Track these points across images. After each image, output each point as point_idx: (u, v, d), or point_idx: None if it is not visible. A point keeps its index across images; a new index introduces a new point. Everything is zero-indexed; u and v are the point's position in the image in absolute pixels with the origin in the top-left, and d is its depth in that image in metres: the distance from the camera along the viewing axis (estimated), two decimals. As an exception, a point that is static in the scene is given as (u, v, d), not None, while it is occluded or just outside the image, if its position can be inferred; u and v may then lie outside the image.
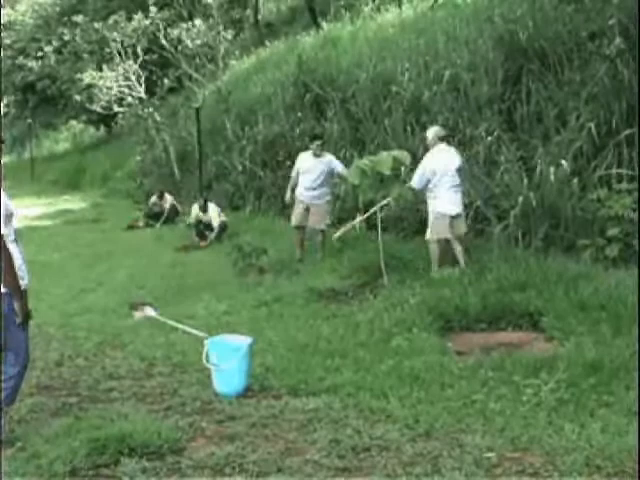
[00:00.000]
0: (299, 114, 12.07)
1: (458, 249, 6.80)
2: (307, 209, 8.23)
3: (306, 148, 8.75)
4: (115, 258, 9.79)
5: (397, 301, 6.00)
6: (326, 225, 8.28)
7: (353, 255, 7.91)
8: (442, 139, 7.07)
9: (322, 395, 4.27)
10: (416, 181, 6.92)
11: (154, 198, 13.45)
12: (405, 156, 7.05)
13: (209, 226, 10.72)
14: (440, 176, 6.79)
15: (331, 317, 5.97)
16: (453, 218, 6.86)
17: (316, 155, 8.21)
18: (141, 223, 13.06)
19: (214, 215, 10.75)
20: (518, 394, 4.09)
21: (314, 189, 8.21)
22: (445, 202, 6.83)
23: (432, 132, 7.12)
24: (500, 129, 8.39)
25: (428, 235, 6.96)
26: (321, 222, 8.22)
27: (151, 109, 16.21)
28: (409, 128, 9.45)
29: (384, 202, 7.36)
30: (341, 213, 9.45)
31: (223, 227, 10.75)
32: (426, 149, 7.28)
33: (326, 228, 8.28)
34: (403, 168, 8.28)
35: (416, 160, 7.40)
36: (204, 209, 10.80)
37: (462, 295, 5.84)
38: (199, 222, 10.82)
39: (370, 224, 8.71)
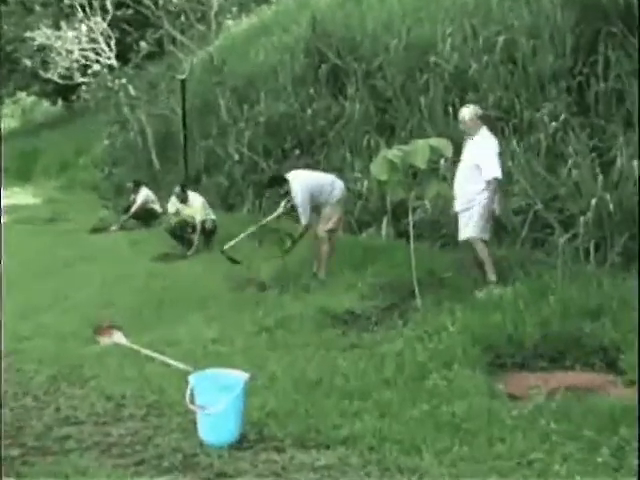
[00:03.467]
0: (311, 90, 12.14)
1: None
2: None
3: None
4: (77, 268, 9.85)
5: (433, 328, 6.00)
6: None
7: (378, 269, 7.93)
8: (483, 120, 7.16)
9: (337, 448, 4.26)
10: (499, 170, 6.96)
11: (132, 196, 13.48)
12: (445, 145, 6.99)
13: (194, 226, 10.80)
14: None
15: (349, 347, 5.97)
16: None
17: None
18: (114, 227, 13.11)
19: (197, 206, 10.83)
20: (590, 454, 4.04)
21: None
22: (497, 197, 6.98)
23: (470, 112, 7.15)
24: (568, 112, 8.38)
25: (471, 232, 6.99)
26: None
27: (124, 80, 16.32)
28: (451, 110, 9.45)
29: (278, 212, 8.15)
30: (363, 215, 9.46)
31: (211, 228, 10.82)
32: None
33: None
34: (443, 160, 8.34)
35: (459, 150, 7.39)
36: (183, 199, 10.86)
37: (517, 322, 5.82)
38: (181, 223, 10.83)
39: (399, 230, 8.74)
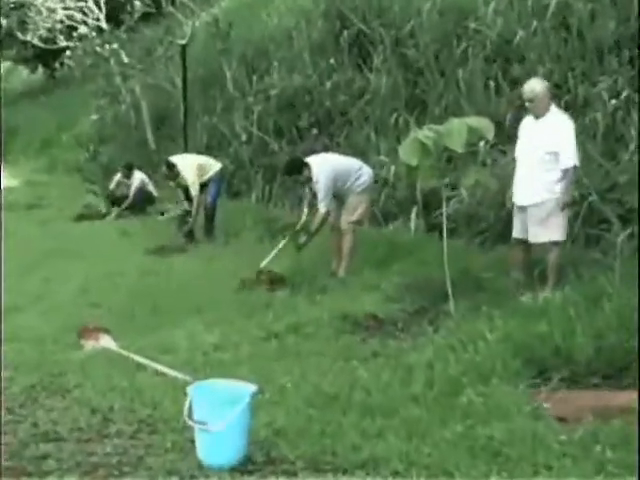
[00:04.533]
0: (332, 60, 12.16)
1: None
2: None
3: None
4: (59, 262, 9.90)
5: (468, 337, 5.97)
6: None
7: (405, 267, 7.96)
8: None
9: (356, 472, 4.26)
10: (577, 157, 6.93)
11: (119, 176, 13.61)
12: (486, 125, 7.00)
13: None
14: None
15: (371, 357, 5.98)
16: None
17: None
18: (111, 216, 13.25)
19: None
20: (652, 487, 4.03)
21: None
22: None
23: (542, 85, 7.05)
24: (631, 87, 8.34)
25: (557, 235, 6.95)
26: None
27: (115, 45, 16.35)
28: (492, 84, 9.43)
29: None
30: (389, 206, 9.49)
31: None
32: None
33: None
34: (482, 143, 8.33)
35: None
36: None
37: (566, 332, 5.77)
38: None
39: (430, 223, 8.75)
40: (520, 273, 7.14)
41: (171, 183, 11.21)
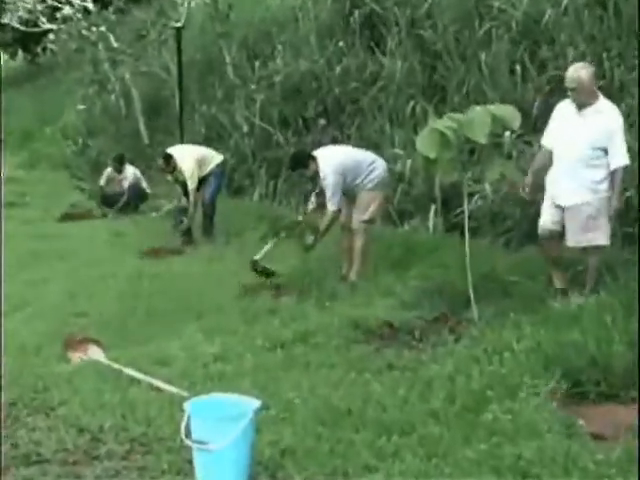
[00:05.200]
0: (341, 43, 12.16)
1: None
2: None
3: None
4: (44, 265, 9.88)
5: (493, 347, 5.98)
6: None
7: (423, 270, 7.99)
8: None
9: (371, 495, 4.28)
10: (627, 156, 6.87)
11: (109, 171, 13.62)
12: (511, 114, 7.02)
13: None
14: None
15: (386, 369, 5.98)
16: None
17: None
18: (94, 208, 13.32)
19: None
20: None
21: None
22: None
23: (588, 71, 6.91)
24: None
25: (602, 239, 6.90)
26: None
27: (103, 28, 16.36)
28: (519, 68, 9.42)
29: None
30: (405, 203, 9.51)
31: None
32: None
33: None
34: (508, 133, 8.31)
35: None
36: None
37: (601, 341, 5.76)
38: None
39: (451, 222, 8.74)
40: (561, 275, 7.07)
41: (169, 177, 11.20)
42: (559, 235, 7.01)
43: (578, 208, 6.84)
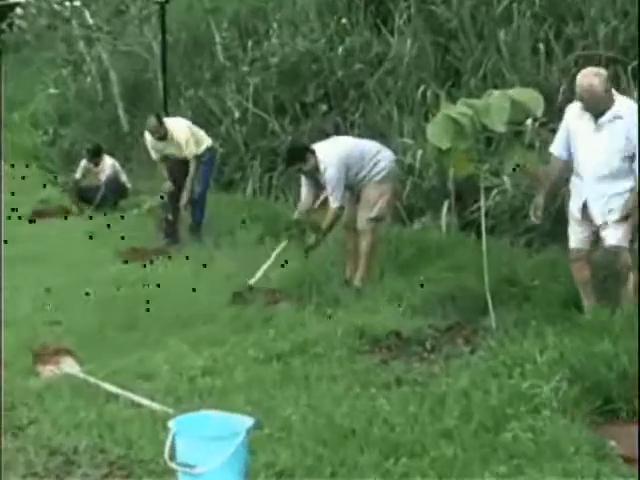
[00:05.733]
0: (344, 20, 12.17)
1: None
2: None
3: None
4: (12, 270, 9.81)
5: (513, 358, 5.97)
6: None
7: (435, 274, 8.04)
8: None
9: (378, 523, 4.31)
10: None
11: (84, 163, 13.60)
12: (534, 99, 7.02)
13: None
14: None
15: (394, 383, 5.98)
16: None
17: None
18: (70, 205, 13.36)
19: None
20: None
21: None
22: None
23: (602, 77, 6.77)
24: None
25: (621, 240, 6.82)
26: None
27: (77, 2, 16.38)
28: (542, 47, 9.42)
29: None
30: (415, 198, 9.48)
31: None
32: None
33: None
34: (530, 121, 8.34)
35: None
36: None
37: (634, 353, 5.76)
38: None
39: (466, 219, 8.71)
40: (591, 294, 7.00)
41: (160, 145, 10.63)
42: (590, 253, 7.01)
43: (619, 223, 6.79)
